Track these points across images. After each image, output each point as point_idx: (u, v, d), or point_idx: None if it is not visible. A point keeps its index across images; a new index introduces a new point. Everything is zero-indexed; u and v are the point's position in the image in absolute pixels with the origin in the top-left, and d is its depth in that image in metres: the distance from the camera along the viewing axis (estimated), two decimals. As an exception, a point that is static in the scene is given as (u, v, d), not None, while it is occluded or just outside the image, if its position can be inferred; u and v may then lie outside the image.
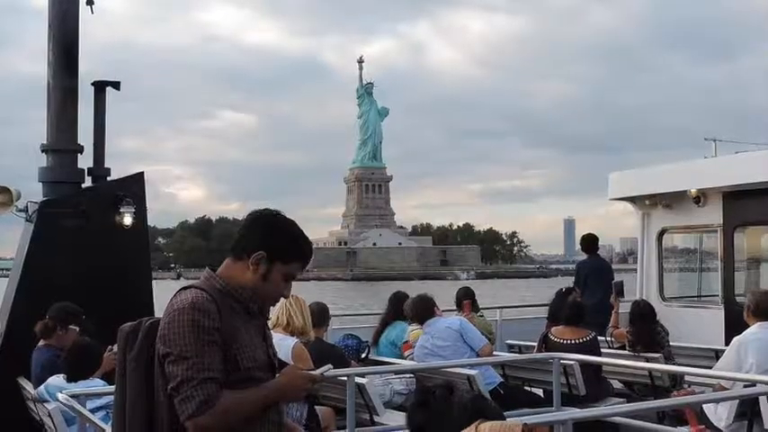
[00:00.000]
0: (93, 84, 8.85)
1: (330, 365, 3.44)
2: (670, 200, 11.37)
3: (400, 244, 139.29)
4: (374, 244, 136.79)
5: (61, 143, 8.41)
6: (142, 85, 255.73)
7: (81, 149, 8.64)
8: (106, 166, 9.01)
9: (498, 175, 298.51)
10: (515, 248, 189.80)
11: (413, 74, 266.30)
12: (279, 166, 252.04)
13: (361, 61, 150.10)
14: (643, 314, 9.24)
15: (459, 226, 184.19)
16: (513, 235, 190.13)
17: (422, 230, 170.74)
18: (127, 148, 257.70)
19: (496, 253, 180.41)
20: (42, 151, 8.51)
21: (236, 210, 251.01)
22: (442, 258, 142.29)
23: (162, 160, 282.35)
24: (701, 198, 10.73)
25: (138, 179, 8.97)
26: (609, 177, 12.48)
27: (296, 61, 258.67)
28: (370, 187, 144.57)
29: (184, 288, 3.17)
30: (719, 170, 10.67)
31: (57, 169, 8.46)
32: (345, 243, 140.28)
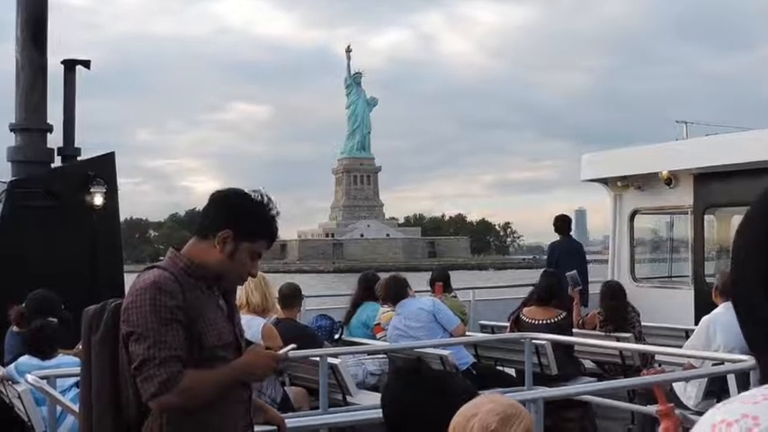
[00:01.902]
0: (62, 62, 8.74)
1: (294, 345, 3.47)
2: (642, 181, 11.44)
3: (388, 235, 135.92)
4: (361, 235, 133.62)
5: (30, 122, 8.30)
6: (155, 77, 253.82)
7: (50, 128, 8.55)
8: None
9: (511, 166, 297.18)
10: (509, 239, 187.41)
11: (425, 65, 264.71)
12: (293, 158, 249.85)
13: (348, 50, 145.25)
14: (613, 293, 9.32)
15: (451, 217, 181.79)
16: (507, 225, 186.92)
17: (414, 222, 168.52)
18: (141, 142, 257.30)
19: (489, 244, 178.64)
20: (11, 130, 8.40)
21: None
22: (430, 250, 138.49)
23: (176, 153, 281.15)
24: (672, 180, 10.80)
25: (109, 159, 8.89)
26: (581, 158, 12.54)
27: (308, 53, 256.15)
28: (359, 178, 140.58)
29: (148, 268, 3.16)
30: (690, 152, 10.75)
31: (26, 148, 8.35)
32: (332, 235, 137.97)
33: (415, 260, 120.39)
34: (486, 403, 2.41)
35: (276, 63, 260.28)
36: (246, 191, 3.31)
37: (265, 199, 3.27)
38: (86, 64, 8.75)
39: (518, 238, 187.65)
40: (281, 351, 3.32)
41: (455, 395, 2.62)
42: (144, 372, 2.94)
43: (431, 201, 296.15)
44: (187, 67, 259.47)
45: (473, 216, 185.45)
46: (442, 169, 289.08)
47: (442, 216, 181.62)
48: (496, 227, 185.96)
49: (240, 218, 3.20)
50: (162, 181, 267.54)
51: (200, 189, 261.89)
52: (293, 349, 3.43)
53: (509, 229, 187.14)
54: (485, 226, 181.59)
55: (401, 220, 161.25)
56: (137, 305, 3.00)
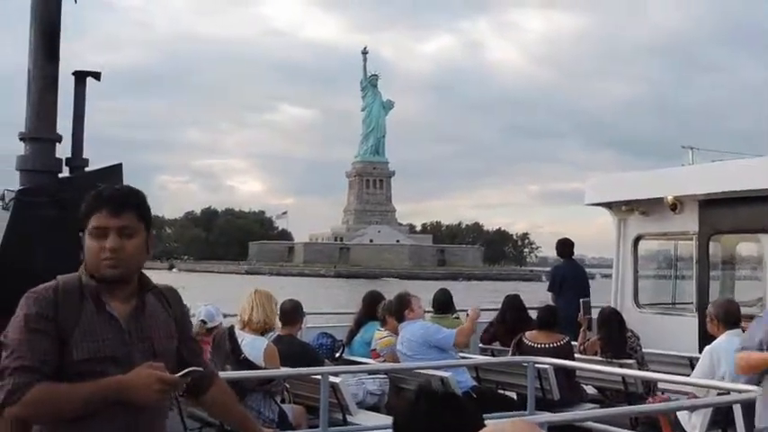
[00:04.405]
0: (73, 73, 8.71)
1: (194, 369, 3.15)
2: (646, 207, 11.40)
3: (398, 241, 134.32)
4: (371, 240, 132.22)
5: (39, 132, 8.26)
6: (204, 77, 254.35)
7: (59, 138, 8.51)
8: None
9: (557, 175, 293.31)
10: (526, 250, 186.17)
11: (471, 71, 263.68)
12: (337, 161, 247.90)
13: (365, 52, 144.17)
14: (608, 320, 9.27)
15: (467, 225, 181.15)
16: (525, 236, 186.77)
17: (432, 229, 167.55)
18: (190, 141, 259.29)
19: (505, 254, 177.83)
20: (21, 139, 8.37)
21: (292, 204, 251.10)
22: (440, 258, 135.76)
23: (223, 153, 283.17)
24: (677, 205, 10.76)
25: (116, 170, 8.83)
26: (586, 183, 12.54)
27: (355, 56, 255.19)
28: (371, 182, 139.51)
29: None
30: (696, 178, 10.71)
31: (34, 158, 8.31)
32: (341, 239, 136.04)
33: (421, 267, 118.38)
34: None
35: (323, 66, 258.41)
36: None
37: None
38: (97, 76, 8.70)
39: (536, 249, 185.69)
40: (179, 374, 3.06)
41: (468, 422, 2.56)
42: (2, 381, 2.89)
43: (476, 209, 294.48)
44: (236, 67, 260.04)
45: (518, 227, 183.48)
46: (487, 177, 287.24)
47: (459, 224, 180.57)
48: (514, 236, 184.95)
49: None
50: (208, 180, 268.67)
51: (244, 188, 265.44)
52: (184, 375, 3.06)
53: (527, 240, 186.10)
54: (502, 235, 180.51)
55: (418, 228, 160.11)
56: (15, 314, 2.98)
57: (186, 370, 3.09)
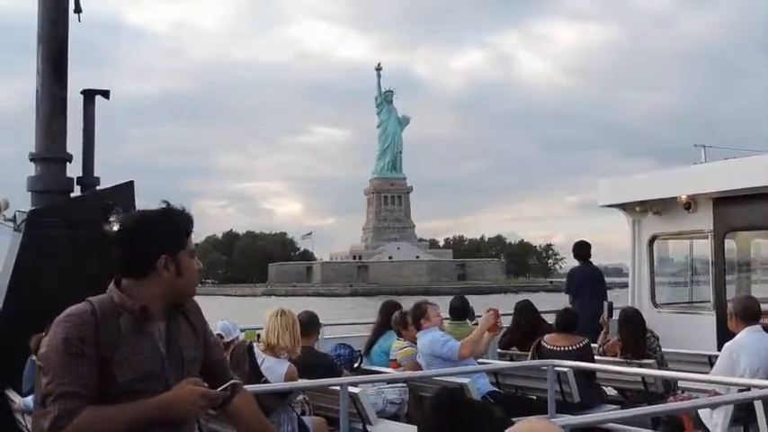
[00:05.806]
0: (82, 92, 8.77)
1: (234, 382, 3.23)
2: (660, 206, 11.37)
3: (418, 257, 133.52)
4: (390, 257, 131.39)
5: (50, 152, 8.31)
6: (237, 102, 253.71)
7: (70, 158, 8.55)
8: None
9: (594, 186, 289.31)
10: (550, 261, 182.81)
11: (503, 85, 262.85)
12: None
13: (379, 69, 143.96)
14: (631, 321, 9.22)
15: (490, 238, 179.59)
16: (548, 247, 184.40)
17: (453, 244, 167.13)
18: (226, 166, 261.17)
19: (529, 266, 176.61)
20: (31, 160, 8.42)
21: (332, 224, 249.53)
22: (460, 272, 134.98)
23: (259, 177, 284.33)
24: (691, 204, 10.74)
25: (128, 188, 8.86)
26: (599, 184, 12.50)
27: (388, 75, 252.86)
28: (389, 199, 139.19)
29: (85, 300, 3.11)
30: (709, 176, 10.68)
31: (45, 178, 8.35)
32: (360, 257, 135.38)
33: (440, 283, 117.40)
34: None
35: (356, 86, 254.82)
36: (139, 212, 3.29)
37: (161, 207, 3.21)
38: (106, 94, 8.76)
39: (560, 260, 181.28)
40: (219, 389, 3.12)
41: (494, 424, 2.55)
42: (44, 407, 2.88)
43: (512, 223, 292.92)
44: (268, 91, 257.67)
45: (557, 239, 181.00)
46: (524, 190, 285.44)
47: (482, 238, 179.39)
48: (537, 248, 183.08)
49: (162, 237, 3.13)
50: (246, 203, 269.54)
51: (281, 211, 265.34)
52: (225, 389, 3.15)
53: (551, 251, 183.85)
54: (524, 248, 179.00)
55: (441, 243, 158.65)
56: (50, 338, 2.95)
57: (226, 384, 3.16)
